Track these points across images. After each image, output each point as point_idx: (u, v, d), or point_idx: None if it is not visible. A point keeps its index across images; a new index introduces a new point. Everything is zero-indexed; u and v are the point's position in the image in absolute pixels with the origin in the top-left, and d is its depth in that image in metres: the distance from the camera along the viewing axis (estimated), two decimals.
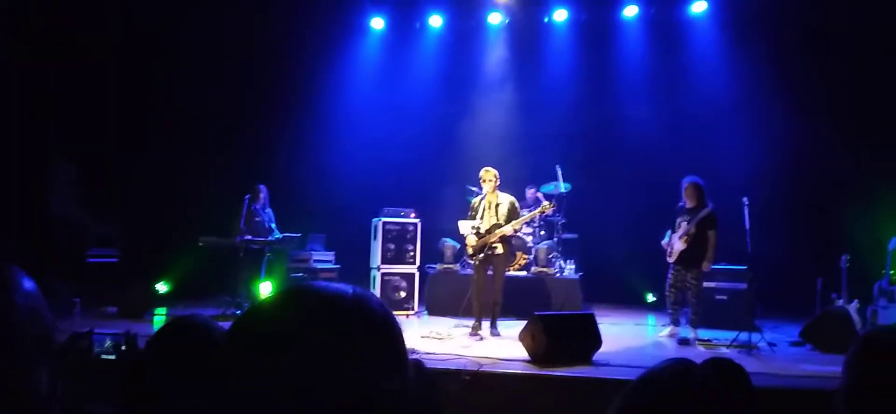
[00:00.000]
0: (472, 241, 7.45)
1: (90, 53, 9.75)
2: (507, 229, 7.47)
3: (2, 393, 1.11)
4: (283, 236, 8.63)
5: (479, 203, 7.50)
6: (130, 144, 9.98)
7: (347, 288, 0.90)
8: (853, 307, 8.26)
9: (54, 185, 9.23)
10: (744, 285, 8.16)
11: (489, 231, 7.37)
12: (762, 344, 7.03)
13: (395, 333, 0.92)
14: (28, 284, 1.19)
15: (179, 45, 10.14)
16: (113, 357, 5.57)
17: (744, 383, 2.62)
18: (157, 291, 9.41)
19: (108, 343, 5.67)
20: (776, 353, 6.85)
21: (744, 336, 7.03)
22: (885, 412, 1.80)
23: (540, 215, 8.54)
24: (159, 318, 8.09)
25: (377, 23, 11.52)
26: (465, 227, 7.52)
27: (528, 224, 9.38)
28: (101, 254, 9.07)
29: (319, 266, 9.07)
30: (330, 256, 9.33)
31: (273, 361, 0.80)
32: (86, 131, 9.82)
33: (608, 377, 5.36)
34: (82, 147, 9.75)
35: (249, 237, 8.38)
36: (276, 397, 0.78)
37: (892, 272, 8.62)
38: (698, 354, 5.51)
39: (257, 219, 8.57)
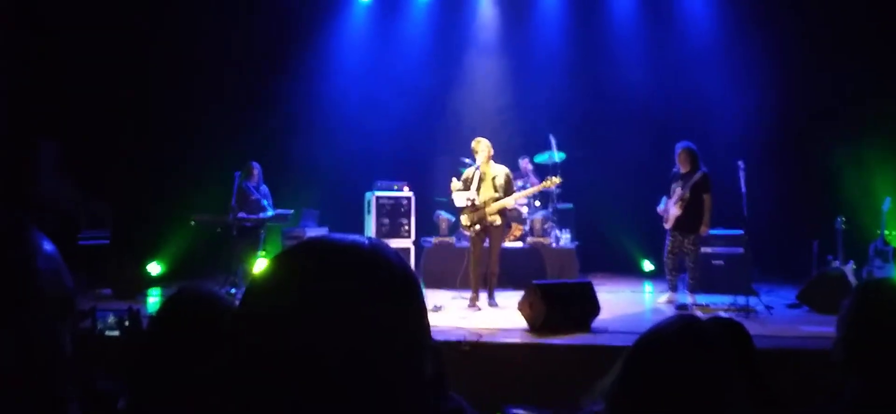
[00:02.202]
0: (467, 213, 7.39)
1: (77, 29, 9.58)
2: (509, 201, 7.42)
3: (29, 356, 1.10)
4: (276, 213, 8.56)
5: (473, 174, 7.42)
6: (121, 123, 9.86)
7: (363, 239, 0.86)
8: (849, 268, 8.30)
9: (39, 166, 9.09)
10: (740, 250, 8.14)
11: (486, 203, 7.31)
12: (760, 307, 7.05)
13: (416, 287, 0.87)
14: (48, 246, 1.17)
15: (169, 20, 9.98)
16: (117, 333, 5.57)
17: (746, 340, 2.61)
18: (151, 271, 9.35)
19: (111, 320, 5.65)
20: (774, 315, 6.87)
21: (741, 300, 7.05)
22: (880, 355, 1.82)
23: (544, 189, 8.47)
24: (154, 298, 8.03)
25: None
26: (459, 198, 7.44)
27: None
28: (92, 235, 8.98)
29: None
30: (324, 231, 9.26)
31: (286, 318, 0.75)
32: (74, 109, 9.69)
33: (607, 344, 5.37)
34: (71, 125, 9.62)
35: (243, 215, 8.31)
36: (290, 355, 0.74)
37: (886, 233, 8.66)
38: (712, 315, 5.50)
39: (252, 197, 8.48)
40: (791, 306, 7.48)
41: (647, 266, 10.57)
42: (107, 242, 9.12)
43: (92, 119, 9.78)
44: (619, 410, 1.66)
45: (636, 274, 10.47)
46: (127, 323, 5.71)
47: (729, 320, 2.83)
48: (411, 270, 0.87)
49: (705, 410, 1.61)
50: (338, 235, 0.86)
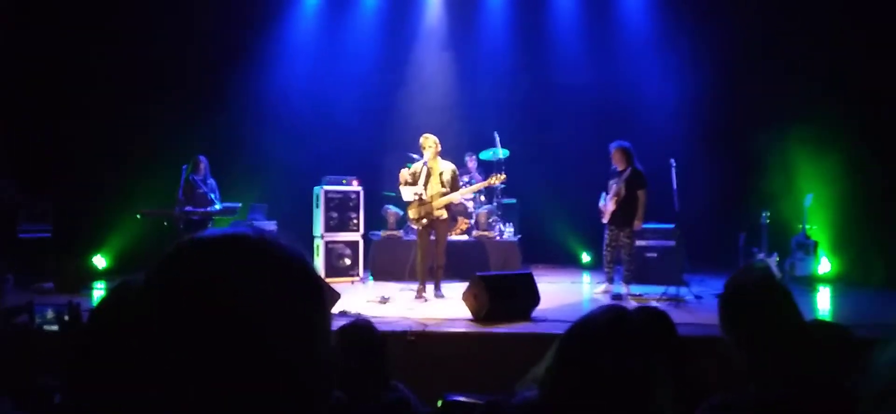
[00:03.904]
0: (414, 207, 7.59)
1: (18, 17, 9.37)
2: (455, 197, 7.67)
3: None
4: (224, 206, 8.59)
5: (421, 169, 7.63)
6: (65, 114, 9.68)
7: (245, 230, 0.83)
8: (773, 260, 8.86)
9: None
10: (672, 243, 8.60)
11: (433, 198, 7.52)
12: (689, 297, 7.48)
13: (307, 276, 0.85)
14: None
15: (116, 11, 9.84)
16: (56, 328, 5.49)
17: (669, 329, 2.89)
18: (95, 264, 9.25)
19: (49, 314, 5.57)
20: (702, 305, 7.27)
21: (673, 290, 7.47)
22: (750, 327, 2.04)
23: (488, 186, 8.73)
24: (97, 291, 7.97)
25: None
26: (407, 193, 7.64)
27: None
28: (33, 228, 8.82)
29: None
30: (272, 225, 9.31)
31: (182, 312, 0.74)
32: (14, 99, 9.47)
33: (546, 331, 5.64)
34: (11, 116, 9.40)
35: (189, 208, 8.32)
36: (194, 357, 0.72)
37: (807, 227, 9.25)
38: (639, 306, 5.82)
39: (199, 190, 8.49)
40: (719, 296, 7.89)
41: (586, 258, 11.00)
42: (49, 234, 8.96)
43: (35, 110, 9.59)
44: (552, 395, 1.84)
45: (576, 265, 10.88)
46: (66, 318, 5.56)
47: (654, 310, 3.13)
48: (299, 257, 0.85)
49: (631, 393, 1.82)
50: (215, 231, 0.83)
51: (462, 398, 2.97)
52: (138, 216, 8.40)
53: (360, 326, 3.16)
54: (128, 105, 9.72)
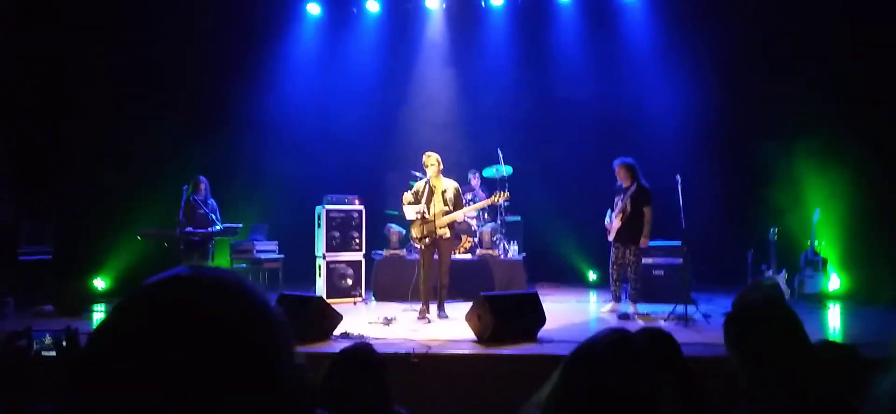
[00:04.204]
0: (417, 226, 7.51)
1: (18, 36, 9.39)
2: (458, 215, 7.58)
3: None
4: (225, 227, 8.53)
5: (424, 188, 7.55)
6: (65, 136, 9.65)
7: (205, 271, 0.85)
8: (781, 277, 8.73)
9: None
10: (679, 260, 8.47)
11: (436, 216, 7.43)
12: (697, 316, 7.34)
13: (263, 316, 0.85)
14: None
15: (116, 32, 9.85)
16: (54, 354, 5.42)
17: (674, 350, 2.79)
18: (96, 286, 9.17)
19: (47, 340, 5.51)
20: (711, 323, 7.14)
21: (680, 309, 7.33)
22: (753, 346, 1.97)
23: (491, 203, 8.65)
24: (97, 314, 7.89)
25: (313, 8, 11.38)
26: (410, 211, 7.56)
27: None
28: (33, 251, 8.76)
29: (263, 256, 9.00)
30: (273, 246, 9.25)
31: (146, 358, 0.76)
32: (13, 121, 9.46)
33: (552, 353, 5.53)
34: (10, 138, 9.38)
35: (190, 229, 8.26)
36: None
37: (816, 243, 9.13)
38: (637, 327, 5.72)
39: (200, 211, 8.44)
40: (724, 315, 7.79)
41: (592, 276, 10.87)
42: (49, 257, 8.91)
43: (34, 132, 9.57)
44: None
45: (582, 284, 10.75)
46: (64, 343, 5.56)
47: (658, 330, 3.02)
48: (254, 295, 0.86)
49: None
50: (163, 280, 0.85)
51: None
52: (139, 237, 8.34)
53: (360, 351, 3.07)
54: (128, 125, 9.69)
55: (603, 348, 1.85)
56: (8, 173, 9.11)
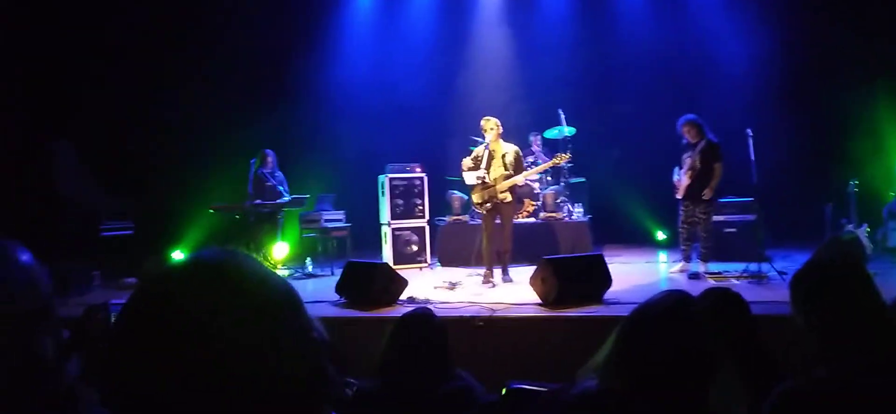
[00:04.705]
0: (478, 191, 7.49)
1: (90, 26, 9.79)
2: (519, 179, 7.51)
3: (8, 363, 1.19)
4: (292, 198, 8.73)
5: (483, 152, 7.51)
6: (142, 118, 10.07)
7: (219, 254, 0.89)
8: (863, 231, 8.31)
9: (57, 165, 9.31)
10: (752, 217, 8.17)
11: (496, 181, 7.40)
12: (772, 273, 7.08)
13: (278, 291, 0.89)
14: (24, 257, 1.25)
15: (182, 11, 10.15)
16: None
17: (741, 311, 2.70)
18: (175, 259, 9.58)
19: None
20: (787, 281, 6.88)
21: (754, 267, 7.09)
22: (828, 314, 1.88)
23: (553, 165, 8.54)
24: None
25: None
26: (470, 177, 7.55)
27: None
28: (116, 226, 9.21)
29: (330, 225, 9.17)
30: (340, 215, 9.41)
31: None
32: (95, 107, 9.91)
33: (618, 314, 5.42)
34: (89, 122, 9.84)
35: (259, 201, 8.49)
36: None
37: None
38: (706, 286, 5.56)
39: (268, 183, 8.66)
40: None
41: (661, 236, 10.62)
42: (131, 231, 9.35)
43: (112, 112, 10.01)
44: (612, 383, 1.76)
45: (650, 244, 10.53)
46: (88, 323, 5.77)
47: (724, 290, 2.94)
48: (265, 274, 0.89)
49: (693, 381, 1.70)
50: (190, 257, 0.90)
51: (527, 386, 2.87)
52: (211, 211, 8.64)
53: (420, 316, 3.11)
54: (198, 102, 10.00)
55: (660, 311, 1.81)
56: (90, 151, 9.55)
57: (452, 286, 7.13)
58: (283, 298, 0.88)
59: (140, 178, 9.96)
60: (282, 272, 8.51)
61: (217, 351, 0.79)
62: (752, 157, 7.20)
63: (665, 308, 1.79)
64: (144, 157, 10.09)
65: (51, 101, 9.80)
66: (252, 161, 8.52)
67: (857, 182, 8.57)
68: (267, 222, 8.68)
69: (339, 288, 6.54)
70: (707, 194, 7.45)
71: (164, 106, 10.02)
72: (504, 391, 3.07)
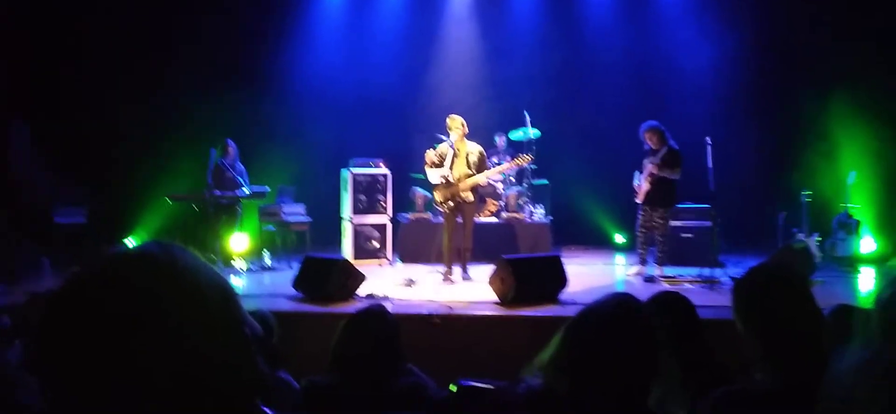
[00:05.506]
0: (440, 189, 7.50)
1: (46, 8, 9.54)
2: (481, 178, 7.54)
3: None
4: (253, 190, 8.63)
5: (447, 151, 7.52)
6: (95, 103, 9.82)
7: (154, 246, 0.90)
8: (813, 241, 8.55)
9: (11, 147, 9.06)
10: (708, 223, 8.34)
11: (459, 180, 7.42)
12: (725, 278, 7.24)
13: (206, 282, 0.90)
14: None
15: (146, 2, 9.96)
16: None
17: (687, 314, 2.76)
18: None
19: None
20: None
21: (707, 272, 7.24)
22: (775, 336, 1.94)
23: (516, 166, 8.59)
24: None
25: None
26: (433, 175, 7.55)
27: None
28: (69, 214, 9.00)
29: (291, 219, 9.08)
30: (300, 208, 9.33)
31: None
32: (47, 90, 9.66)
33: (573, 314, 5.50)
34: (43, 107, 9.59)
35: (218, 192, 8.37)
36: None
37: (850, 206, 8.92)
38: (660, 290, 5.65)
39: (227, 174, 8.54)
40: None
41: (619, 239, 10.77)
42: (83, 220, 9.14)
43: (65, 99, 9.76)
44: (556, 382, 1.78)
45: (609, 247, 10.67)
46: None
47: (672, 294, 2.99)
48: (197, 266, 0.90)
49: (635, 381, 1.74)
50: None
51: (476, 383, 2.90)
52: (168, 200, 8.49)
53: (372, 312, 3.11)
54: (156, 89, 9.82)
55: (604, 313, 1.84)
56: (43, 140, 9.31)
57: (412, 283, 7.13)
58: (216, 291, 0.89)
59: (96, 166, 9.73)
60: (240, 265, 8.40)
61: (147, 341, 0.80)
62: (710, 165, 7.35)
63: (609, 310, 1.83)
64: (101, 144, 9.85)
65: (5, 84, 9.50)
66: (212, 150, 8.39)
67: (809, 192, 8.83)
68: (225, 214, 8.55)
69: (297, 282, 6.49)
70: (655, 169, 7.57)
71: (122, 92, 9.79)
72: (452, 388, 3.09)
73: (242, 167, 8.81)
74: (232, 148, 8.70)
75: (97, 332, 0.81)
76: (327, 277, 6.17)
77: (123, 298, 0.82)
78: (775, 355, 1.87)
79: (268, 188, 8.88)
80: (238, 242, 8.62)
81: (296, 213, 9.18)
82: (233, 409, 0.87)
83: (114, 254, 0.89)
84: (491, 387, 2.60)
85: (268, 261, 8.63)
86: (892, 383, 0.62)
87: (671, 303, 2.72)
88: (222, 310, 0.89)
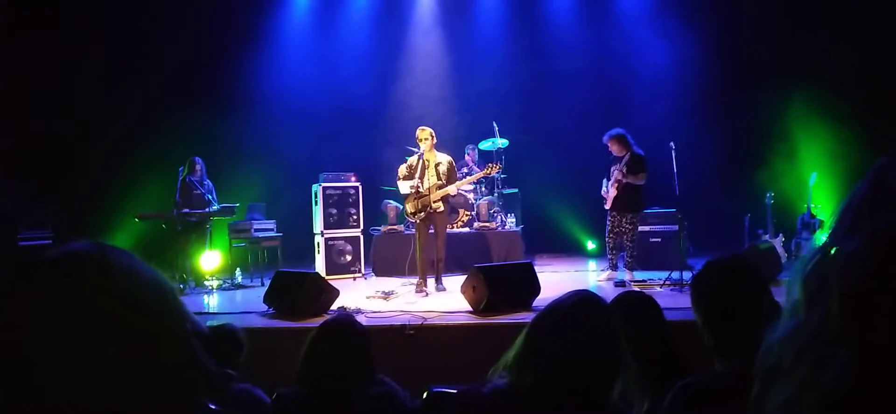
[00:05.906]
0: (411, 201, 7.52)
1: (14, 26, 9.40)
2: (452, 189, 7.58)
3: None
4: (221, 207, 8.55)
5: (417, 162, 7.55)
6: (62, 122, 9.69)
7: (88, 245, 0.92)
8: (778, 241, 8.72)
9: None
10: (675, 227, 8.47)
11: (430, 190, 7.45)
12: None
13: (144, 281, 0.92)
14: None
15: (109, 16, 9.83)
16: None
17: (650, 312, 2.81)
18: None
19: None
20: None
21: (676, 275, 7.35)
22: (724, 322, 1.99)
23: (485, 176, 8.65)
24: None
25: None
26: (404, 186, 7.57)
27: None
28: (34, 236, 8.82)
29: (261, 235, 9.03)
30: (271, 224, 9.28)
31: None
32: (12, 108, 9.49)
33: None
34: (9, 125, 9.42)
35: (187, 210, 8.29)
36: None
37: (812, 206, 9.12)
38: (620, 294, 5.72)
39: (196, 191, 8.46)
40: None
41: (590, 246, 10.89)
42: (49, 241, 8.97)
43: (32, 118, 9.61)
44: (519, 379, 1.81)
45: (580, 254, 10.77)
46: None
47: (638, 294, 3.05)
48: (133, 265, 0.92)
49: (598, 378, 1.78)
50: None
51: (445, 390, 2.92)
52: (136, 219, 8.39)
53: (340, 322, 3.11)
54: (124, 108, 9.71)
55: (566, 310, 1.88)
56: (6, 160, 9.14)
57: (386, 295, 7.12)
58: (152, 288, 0.90)
59: (62, 185, 9.58)
60: (211, 283, 8.32)
61: (82, 339, 0.81)
62: (675, 170, 7.48)
63: (570, 307, 1.86)
64: (67, 162, 9.71)
65: None
66: (180, 168, 8.32)
67: (773, 194, 9.01)
68: (195, 232, 8.47)
69: (268, 298, 6.45)
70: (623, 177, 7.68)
71: (88, 109, 9.68)
72: (425, 395, 3.11)
73: (211, 184, 8.75)
74: (199, 165, 8.63)
75: (28, 332, 0.81)
76: (299, 291, 6.14)
77: (56, 296, 0.83)
78: (730, 343, 1.92)
79: (237, 205, 8.81)
80: (209, 259, 8.54)
81: (266, 229, 9.13)
82: (176, 406, 0.87)
83: (47, 254, 0.89)
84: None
85: (239, 278, 8.56)
86: (816, 349, 0.67)
87: (634, 302, 2.76)
88: (159, 307, 0.90)
